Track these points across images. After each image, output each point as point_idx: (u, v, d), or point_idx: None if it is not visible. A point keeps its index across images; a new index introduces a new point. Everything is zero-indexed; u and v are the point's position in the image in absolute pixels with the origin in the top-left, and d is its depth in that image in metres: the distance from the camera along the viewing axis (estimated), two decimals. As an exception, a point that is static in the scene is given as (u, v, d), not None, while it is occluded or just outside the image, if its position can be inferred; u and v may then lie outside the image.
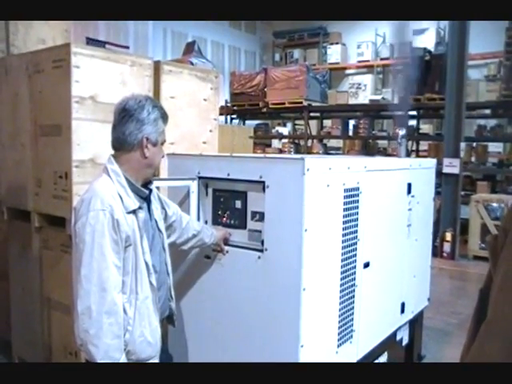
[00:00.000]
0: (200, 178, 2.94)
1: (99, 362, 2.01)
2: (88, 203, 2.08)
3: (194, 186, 2.93)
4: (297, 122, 16.30)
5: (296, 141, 14.93)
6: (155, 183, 2.98)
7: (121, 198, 2.13)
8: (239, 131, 6.67)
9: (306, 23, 17.90)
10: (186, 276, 3.00)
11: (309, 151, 13.61)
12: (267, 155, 3.64)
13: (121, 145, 2.23)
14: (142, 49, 14.83)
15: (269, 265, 2.67)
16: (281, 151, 14.17)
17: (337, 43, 17.53)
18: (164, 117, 2.30)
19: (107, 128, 3.43)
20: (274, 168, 2.64)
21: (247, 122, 15.27)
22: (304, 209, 2.54)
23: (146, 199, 2.32)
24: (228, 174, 2.81)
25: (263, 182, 2.67)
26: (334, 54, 17.42)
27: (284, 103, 13.01)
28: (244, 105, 13.50)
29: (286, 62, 18.21)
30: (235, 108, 13.79)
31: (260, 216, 2.74)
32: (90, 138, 3.42)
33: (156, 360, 2.28)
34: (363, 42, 16.81)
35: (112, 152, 2.29)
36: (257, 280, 2.70)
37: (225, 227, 2.90)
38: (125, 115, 2.21)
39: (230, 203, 2.88)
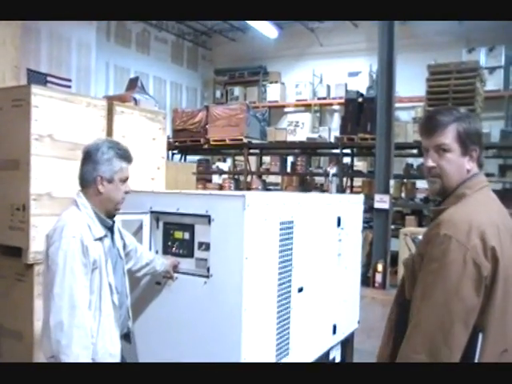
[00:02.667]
0: (152, 212, 3.26)
1: None
2: (60, 231, 2.39)
3: (146, 219, 3.24)
4: (237, 157, 16.77)
5: (236, 176, 15.37)
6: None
7: (89, 227, 2.45)
8: (183, 167, 7.01)
9: (247, 62, 18.64)
10: (139, 301, 3.27)
11: (248, 187, 14.05)
12: (212, 192, 4.00)
13: (82, 182, 2.60)
14: (84, 82, 14.95)
15: (214, 289, 3.00)
16: (221, 187, 14.54)
17: (276, 82, 18.28)
18: (122, 156, 2.61)
19: (63, 164, 3.76)
20: (218, 203, 3.00)
21: (188, 157, 15.61)
22: (244, 239, 2.91)
23: (110, 229, 2.63)
24: (177, 209, 3.14)
25: (209, 216, 3.02)
26: (273, 92, 18.14)
27: (225, 140, 13.47)
28: (186, 141, 13.85)
29: (226, 99, 18.77)
30: (177, 144, 14.10)
31: (206, 246, 3.08)
32: (47, 173, 3.68)
33: None
34: (301, 81, 17.61)
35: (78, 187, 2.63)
36: (203, 303, 3.03)
37: (174, 256, 3.22)
38: (85, 157, 2.59)
39: (178, 235, 3.21)
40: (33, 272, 3.70)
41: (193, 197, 3.24)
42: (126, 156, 2.63)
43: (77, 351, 2.30)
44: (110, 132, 4.16)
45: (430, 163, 2.01)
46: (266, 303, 3.18)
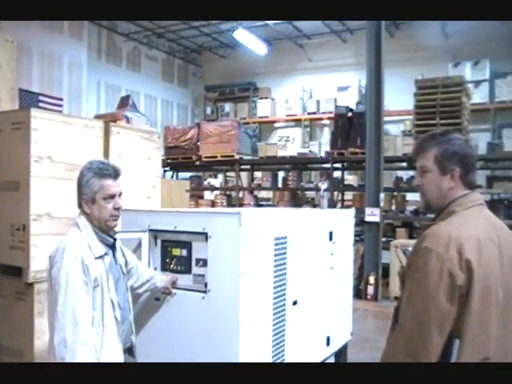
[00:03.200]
0: (150, 230, 3.37)
1: None
2: (62, 252, 2.51)
3: (145, 237, 3.36)
4: (228, 173, 16.90)
5: (228, 192, 15.47)
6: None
7: (89, 247, 2.57)
8: (176, 185, 7.12)
9: (237, 78, 18.84)
10: (139, 316, 3.37)
11: (241, 203, 14.15)
12: (209, 210, 4.12)
13: (78, 206, 2.73)
14: (76, 101, 15.07)
15: (211, 303, 3.11)
16: (213, 203, 14.62)
17: (266, 98, 18.44)
18: (102, 175, 2.64)
19: (62, 185, 3.87)
20: (215, 221, 3.13)
21: (180, 173, 15.71)
22: (241, 255, 3.03)
23: (112, 247, 2.75)
24: (175, 227, 3.26)
25: (206, 233, 3.14)
26: (263, 108, 18.28)
27: (216, 156, 13.60)
28: (178, 158, 13.93)
29: (217, 115, 18.93)
30: (169, 161, 14.21)
31: (203, 262, 3.19)
32: (47, 194, 3.79)
33: None
34: (291, 96, 17.81)
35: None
36: (201, 317, 3.14)
37: (172, 273, 3.33)
38: (77, 181, 2.72)
39: (176, 252, 3.32)
40: (33, 291, 3.80)
41: (190, 215, 3.36)
42: (106, 173, 2.66)
43: None
44: (106, 152, 4.28)
45: (416, 182, 2.28)
46: (262, 316, 3.30)
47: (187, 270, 3.28)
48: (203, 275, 3.19)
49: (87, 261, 2.51)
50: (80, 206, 2.70)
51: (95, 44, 16.31)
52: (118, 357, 2.64)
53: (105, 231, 2.73)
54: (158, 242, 3.39)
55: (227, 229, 3.06)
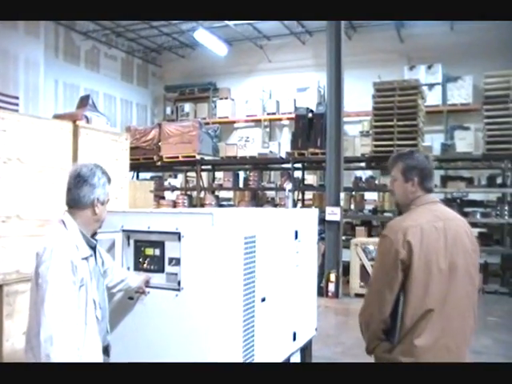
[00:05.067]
0: (123, 230, 3.43)
1: None
2: (51, 250, 2.55)
3: (118, 237, 3.41)
4: (188, 174, 16.92)
5: (188, 192, 15.50)
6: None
7: (77, 247, 2.64)
8: (140, 186, 7.14)
9: (197, 79, 18.86)
10: (113, 315, 3.41)
11: (202, 203, 14.22)
12: (182, 210, 4.19)
13: (76, 204, 2.73)
14: (33, 100, 14.83)
15: (185, 301, 3.20)
16: (175, 203, 14.63)
17: (226, 98, 18.53)
18: (110, 180, 2.85)
19: (32, 186, 3.88)
20: (188, 221, 3.21)
21: (140, 174, 15.65)
22: (213, 254, 3.14)
23: (94, 248, 2.82)
24: (148, 227, 3.34)
25: (179, 233, 3.22)
26: (223, 108, 18.37)
27: (178, 157, 13.63)
28: (139, 158, 13.87)
29: (177, 115, 18.91)
30: (130, 161, 14.09)
31: (176, 261, 3.27)
32: (16, 196, 3.79)
33: None
34: (251, 97, 17.95)
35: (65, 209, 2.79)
36: (175, 314, 3.22)
37: (145, 272, 3.40)
38: (79, 180, 2.72)
39: (149, 251, 3.39)
40: (1, 293, 3.78)
41: (163, 215, 3.45)
42: (110, 180, 2.87)
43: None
44: (75, 153, 4.30)
45: (389, 187, 3.07)
46: (233, 313, 3.41)
47: (160, 269, 3.35)
48: (176, 274, 3.27)
49: (76, 261, 2.58)
50: (80, 205, 2.72)
51: (52, 42, 16.07)
52: (98, 355, 2.71)
53: (95, 231, 2.84)
54: (131, 242, 3.45)
55: (200, 228, 3.15)
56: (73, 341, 2.52)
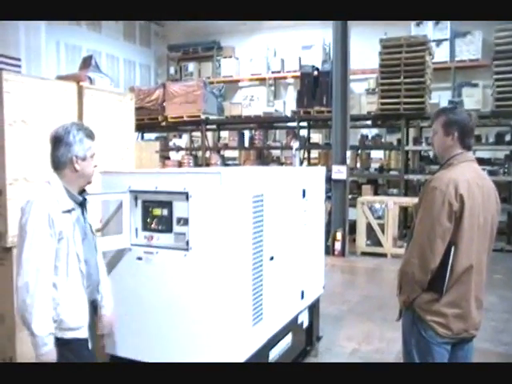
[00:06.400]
0: (131, 191, 3.43)
1: (33, 327, 2.55)
2: (31, 204, 2.63)
3: (125, 198, 3.41)
4: (193, 133, 16.83)
5: (194, 152, 15.45)
6: (93, 197, 3.45)
7: (57, 201, 2.69)
8: (146, 146, 7.07)
9: (200, 37, 18.54)
10: (121, 276, 3.46)
11: (207, 162, 14.20)
12: (189, 170, 4.18)
13: (56, 165, 2.79)
14: (34, 62, 14.64)
15: (193, 260, 3.22)
16: (180, 163, 14.62)
17: (230, 57, 18.24)
18: (89, 135, 2.83)
19: (37, 148, 3.85)
20: (196, 181, 3.20)
21: (145, 135, 15.58)
22: (221, 213, 3.13)
23: (81, 205, 2.85)
24: (156, 187, 3.33)
25: (187, 193, 3.22)
26: (227, 67, 18.09)
27: (182, 117, 13.54)
28: (143, 119, 13.77)
29: (181, 75, 18.65)
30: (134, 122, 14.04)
31: (184, 221, 3.28)
32: (23, 158, 3.78)
33: (85, 329, 2.80)
34: (255, 55, 17.68)
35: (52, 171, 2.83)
36: (183, 273, 3.25)
37: (153, 232, 3.41)
38: (56, 141, 2.78)
39: (157, 212, 3.39)
40: (12, 255, 3.81)
41: (171, 175, 3.44)
42: (91, 135, 2.87)
43: (40, 310, 2.56)
44: (80, 115, 4.26)
45: (430, 139, 3.20)
46: (242, 271, 3.43)
47: (168, 229, 3.36)
48: (184, 234, 3.28)
49: (53, 214, 2.63)
50: (60, 166, 2.77)
51: (53, 2, 15.74)
52: (81, 304, 2.78)
53: (82, 187, 2.86)
54: (139, 202, 3.45)
55: (208, 188, 3.15)
56: (49, 289, 2.62)
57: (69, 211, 2.73)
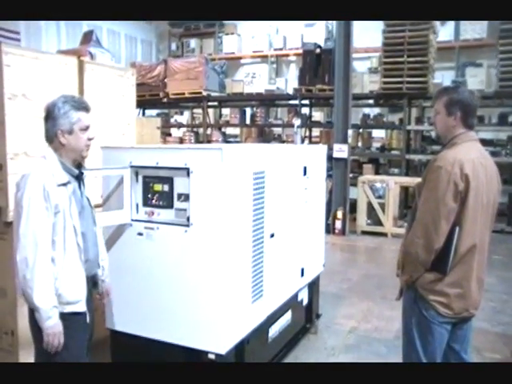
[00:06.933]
0: (132, 166, 3.41)
1: (35, 301, 2.56)
2: (26, 178, 2.63)
3: (126, 174, 3.40)
4: (194, 110, 16.74)
5: (195, 129, 15.39)
6: (93, 172, 3.44)
7: (53, 175, 2.67)
8: (147, 122, 7.02)
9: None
10: (122, 252, 3.47)
11: (208, 139, 14.15)
12: (190, 146, 4.16)
13: (47, 140, 2.80)
14: (34, 36, 14.50)
15: (194, 236, 3.22)
16: (181, 140, 14.58)
17: (232, 34, 18.06)
18: (78, 107, 2.77)
19: (38, 123, 3.82)
20: (197, 156, 3.19)
21: (146, 111, 15.50)
22: (222, 189, 3.13)
23: (78, 178, 2.84)
24: (157, 163, 3.31)
25: (188, 169, 3.20)
26: (229, 44, 17.93)
27: (184, 93, 13.45)
28: (144, 95, 13.69)
29: (182, 51, 18.48)
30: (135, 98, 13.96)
31: (185, 197, 3.27)
32: (23, 132, 3.75)
33: (83, 303, 2.81)
34: (257, 33, 17.48)
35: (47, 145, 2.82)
36: (184, 249, 3.25)
37: (154, 207, 3.40)
38: (45, 117, 2.79)
39: (158, 187, 3.38)
40: (12, 230, 3.81)
41: (172, 150, 3.41)
42: (82, 106, 2.81)
43: (40, 285, 2.57)
44: (81, 89, 4.23)
45: (432, 119, 3.12)
46: (242, 248, 3.44)
47: (169, 205, 3.35)
48: (185, 209, 3.28)
49: (48, 187, 2.62)
50: (49, 139, 2.77)
51: (53, -24, 15.53)
52: (79, 278, 2.78)
53: (76, 161, 2.83)
54: (140, 178, 3.44)
55: (209, 164, 3.13)
56: (47, 263, 2.62)
57: (64, 184, 2.72)
